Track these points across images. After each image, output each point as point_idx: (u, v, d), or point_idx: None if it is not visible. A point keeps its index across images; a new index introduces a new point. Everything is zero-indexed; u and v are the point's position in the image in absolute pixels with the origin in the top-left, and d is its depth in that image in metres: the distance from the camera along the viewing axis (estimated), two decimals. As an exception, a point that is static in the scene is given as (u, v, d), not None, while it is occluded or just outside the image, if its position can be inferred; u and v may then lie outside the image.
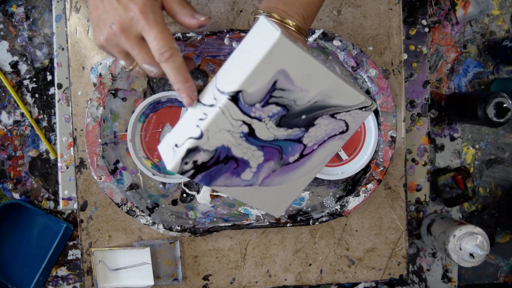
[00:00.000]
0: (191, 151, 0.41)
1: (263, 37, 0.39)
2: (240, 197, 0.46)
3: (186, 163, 0.42)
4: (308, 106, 0.43)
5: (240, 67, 0.40)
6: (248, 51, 0.40)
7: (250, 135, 0.43)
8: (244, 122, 0.42)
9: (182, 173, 0.42)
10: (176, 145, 0.42)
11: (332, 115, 0.45)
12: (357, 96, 0.45)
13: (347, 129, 0.46)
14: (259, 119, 0.42)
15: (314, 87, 0.42)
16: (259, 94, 0.40)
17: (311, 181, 0.71)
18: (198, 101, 0.44)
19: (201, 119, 0.41)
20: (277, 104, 0.42)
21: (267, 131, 0.43)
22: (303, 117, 0.43)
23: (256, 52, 0.39)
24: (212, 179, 0.44)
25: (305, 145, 0.45)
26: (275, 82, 0.40)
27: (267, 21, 0.40)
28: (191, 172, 0.43)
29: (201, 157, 0.42)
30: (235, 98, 0.40)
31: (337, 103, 0.44)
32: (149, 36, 0.44)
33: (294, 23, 0.47)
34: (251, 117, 0.41)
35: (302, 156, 0.46)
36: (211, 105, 0.41)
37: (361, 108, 0.46)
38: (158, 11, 0.44)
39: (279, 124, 0.43)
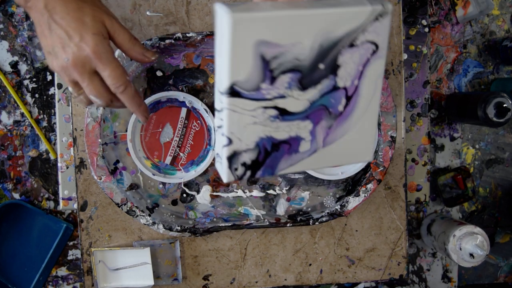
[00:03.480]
0: (232, 158, 0.41)
1: (222, 24, 0.37)
2: (316, 165, 0.44)
3: (236, 169, 0.41)
4: (316, 54, 0.40)
5: (221, 62, 0.39)
6: (220, 43, 0.39)
7: (284, 114, 0.41)
8: (266, 107, 0.40)
9: (240, 178, 0.41)
10: (219, 156, 0.42)
11: (350, 45, 0.40)
12: (360, 12, 0.39)
13: (377, 47, 0.41)
14: (281, 96, 0.40)
15: (304, 34, 0.39)
16: (255, 75, 0.39)
17: (311, 181, 0.71)
18: (215, 109, 0.43)
19: (220, 127, 0.41)
20: (283, 72, 0.39)
21: (298, 101, 0.41)
22: (321, 66, 0.40)
23: (224, 42, 0.38)
24: (273, 168, 0.42)
25: (345, 88, 0.42)
26: (262, 56, 0.38)
27: (218, 6, 0.38)
28: (248, 173, 0.42)
29: (248, 157, 0.41)
30: (234, 92, 0.39)
31: (344, 32, 0.39)
32: (103, 73, 0.48)
33: None
34: (270, 99, 0.40)
35: (349, 98, 0.42)
36: (221, 110, 0.40)
37: (376, 19, 0.40)
38: (108, 48, 0.48)
39: (304, 88, 0.40)
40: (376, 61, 0.42)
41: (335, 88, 0.42)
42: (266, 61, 0.39)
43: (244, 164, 0.41)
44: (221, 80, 0.39)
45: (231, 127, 0.40)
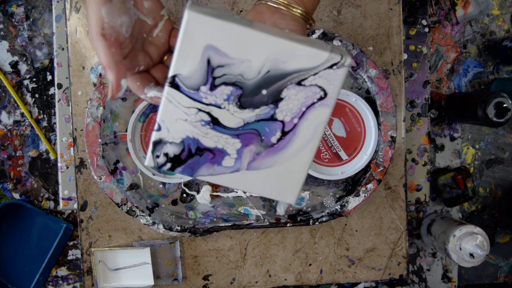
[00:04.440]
0: (157, 144, 0.42)
1: (183, 16, 0.39)
2: (234, 184, 0.44)
3: (158, 156, 0.43)
4: (262, 78, 0.40)
5: (174, 53, 0.41)
6: (178, 35, 0.41)
7: (215, 124, 0.42)
8: (200, 110, 0.41)
9: (159, 166, 0.43)
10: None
11: (299, 83, 0.40)
12: (317, 55, 0.39)
13: (325, 94, 0.41)
14: (217, 106, 0.41)
15: (255, 54, 0.39)
16: (197, 75, 0.40)
17: (311, 181, 0.71)
18: None
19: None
20: (225, 84, 0.40)
21: (232, 117, 0.42)
22: (264, 92, 0.41)
23: (179, 34, 0.39)
24: (193, 171, 0.44)
25: (282, 122, 0.42)
26: (209, 61, 0.39)
27: (190, 0, 0.39)
28: (168, 165, 0.43)
29: (171, 150, 0.42)
30: (174, 84, 0.40)
31: (295, 68, 0.40)
32: None
33: (286, 2, 0.47)
34: (206, 104, 0.41)
35: (284, 133, 0.43)
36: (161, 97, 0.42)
37: (330, 67, 0.40)
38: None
39: (241, 106, 0.41)
40: (321, 108, 0.42)
41: (272, 118, 0.42)
42: (211, 67, 0.40)
43: (166, 155, 0.43)
44: (169, 69, 0.41)
45: (164, 116, 0.41)
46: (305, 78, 0.40)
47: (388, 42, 0.71)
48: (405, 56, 0.74)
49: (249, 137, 0.43)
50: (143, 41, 0.48)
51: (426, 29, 0.76)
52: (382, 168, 0.69)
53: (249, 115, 0.42)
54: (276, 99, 0.41)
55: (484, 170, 0.83)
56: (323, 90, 0.41)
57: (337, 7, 0.70)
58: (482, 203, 0.83)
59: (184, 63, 0.39)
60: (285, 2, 0.48)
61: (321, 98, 0.41)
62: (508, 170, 0.83)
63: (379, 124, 0.69)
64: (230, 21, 0.38)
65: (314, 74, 0.40)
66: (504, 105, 0.69)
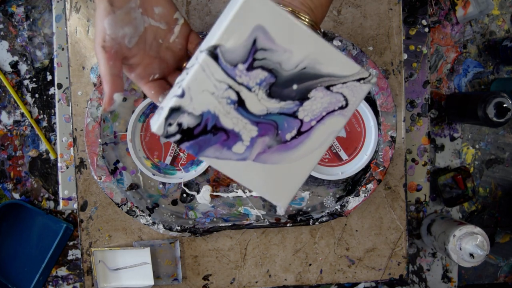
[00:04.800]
0: (174, 111, 0.40)
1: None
2: (234, 173, 0.43)
3: (170, 124, 0.41)
4: (297, 73, 0.41)
5: (220, 23, 0.40)
6: (230, 7, 0.41)
7: (240, 106, 0.41)
8: (230, 87, 0.40)
9: (168, 136, 0.41)
10: (162, 109, 0.42)
11: (328, 88, 0.42)
12: (350, 65, 0.42)
13: (346, 104, 0.43)
14: (248, 88, 0.41)
15: (298, 48, 0.41)
16: (239, 51, 0.40)
17: (311, 181, 0.71)
18: (185, 68, 0.43)
19: (183, 80, 0.41)
20: (262, 68, 0.41)
21: (258, 103, 0.41)
22: (295, 87, 0.42)
23: (233, 8, 0.39)
24: (201, 148, 0.42)
25: (301, 121, 0.43)
26: (255, 41, 0.40)
27: None
28: (177, 137, 0.41)
29: (186, 121, 0.41)
30: (213, 53, 0.39)
31: (329, 71, 0.42)
32: None
33: (308, 19, 0.48)
34: (238, 83, 0.40)
35: (300, 133, 0.43)
36: (191, 67, 0.41)
37: (358, 80, 0.42)
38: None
39: (270, 95, 0.41)
40: (339, 117, 0.43)
41: (294, 115, 0.43)
42: (255, 48, 0.40)
43: (179, 125, 0.41)
44: (211, 38, 0.40)
45: (192, 83, 0.40)
46: (334, 84, 0.42)
47: (388, 42, 0.71)
48: (405, 56, 0.74)
49: (267, 127, 0.42)
50: (159, 48, 0.47)
51: (426, 29, 0.76)
52: (382, 168, 0.69)
53: (274, 105, 0.42)
54: (303, 97, 0.42)
55: (484, 170, 0.83)
56: (346, 100, 0.43)
57: (337, 7, 0.70)
58: (482, 203, 0.83)
59: (230, 36, 0.39)
60: (294, 10, 0.48)
61: (341, 108, 0.43)
62: (508, 170, 0.83)
63: (379, 124, 0.69)
64: (282, 9, 0.40)
65: (343, 83, 0.42)
66: (504, 105, 0.69)
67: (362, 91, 0.43)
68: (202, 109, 0.41)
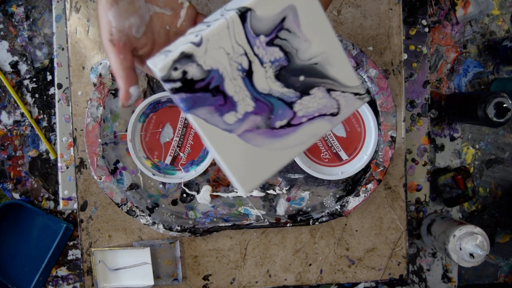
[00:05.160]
0: (185, 57, 0.39)
1: None
2: (214, 142, 0.42)
3: (176, 69, 0.39)
4: (308, 65, 0.42)
5: None
6: None
7: (247, 76, 0.41)
8: (246, 54, 0.40)
9: (168, 80, 0.38)
10: (169, 51, 0.40)
11: (328, 90, 0.44)
12: (354, 78, 0.44)
13: (337, 113, 0.45)
14: (261, 62, 0.41)
15: (318, 42, 0.42)
16: (266, 23, 0.40)
17: (311, 181, 0.71)
18: (204, 22, 0.42)
19: (201, 30, 0.40)
20: (281, 48, 0.41)
21: (264, 80, 0.42)
22: (301, 78, 0.43)
23: None
24: (194, 105, 0.40)
25: (295, 113, 0.44)
26: (284, 19, 0.40)
27: None
28: (177, 84, 0.39)
29: (193, 71, 0.39)
30: (243, 15, 0.39)
31: (335, 75, 0.43)
32: None
33: None
34: (254, 53, 0.40)
35: (289, 125, 0.44)
36: (214, 20, 0.40)
37: (355, 94, 0.45)
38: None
39: (277, 77, 0.42)
40: (326, 122, 0.45)
41: (290, 105, 0.43)
42: (281, 26, 0.40)
43: (184, 73, 0.39)
44: (242, 1, 0.40)
45: (212, 36, 0.39)
46: (335, 90, 0.44)
47: (388, 42, 0.71)
48: (405, 56, 0.74)
49: (263, 107, 0.42)
50: (167, 34, 0.46)
51: (426, 29, 0.76)
52: (382, 168, 0.69)
53: (277, 89, 0.42)
54: (305, 91, 0.43)
55: (484, 170, 0.83)
56: (339, 108, 0.45)
57: (337, 7, 0.70)
58: (482, 203, 0.83)
59: (264, 5, 0.40)
60: None
61: (332, 114, 0.45)
62: (508, 170, 0.83)
63: (379, 124, 0.69)
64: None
65: (343, 91, 0.44)
66: (504, 105, 0.69)
67: (354, 105, 0.45)
68: (211, 65, 0.39)
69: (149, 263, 0.70)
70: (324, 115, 0.44)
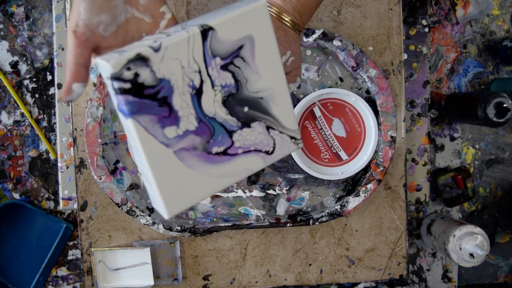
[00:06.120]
0: (140, 59, 0.37)
1: (248, 2, 0.41)
2: (149, 154, 0.40)
3: (129, 69, 0.37)
4: (254, 98, 0.43)
5: (219, 13, 0.41)
6: (233, 6, 0.41)
7: (196, 95, 0.40)
8: (200, 72, 0.40)
9: (118, 78, 0.37)
10: (124, 51, 0.38)
11: (268, 128, 0.44)
12: (293, 121, 0.45)
13: (272, 152, 0.45)
14: (212, 84, 0.41)
15: (267, 77, 0.43)
16: (226, 47, 0.40)
17: (311, 181, 0.71)
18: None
19: (160, 38, 0.39)
20: (233, 74, 0.41)
21: (212, 103, 0.41)
22: (246, 109, 0.43)
23: (237, 9, 0.40)
24: (138, 111, 0.39)
25: (233, 143, 0.43)
26: (241, 47, 0.41)
27: None
28: (127, 85, 0.37)
29: (145, 75, 0.38)
30: (205, 33, 0.39)
31: (276, 114, 0.44)
32: None
33: (289, 18, 0.48)
34: (207, 73, 0.40)
35: (225, 153, 0.43)
36: (177, 32, 0.40)
37: (291, 138, 0.45)
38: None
39: (224, 102, 0.42)
40: (259, 160, 0.45)
41: (230, 134, 0.43)
42: (238, 53, 0.41)
43: (136, 76, 0.38)
44: (207, 19, 0.41)
45: (172, 45, 0.38)
46: (274, 129, 0.44)
47: (388, 42, 0.71)
48: (405, 56, 0.74)
49: (205, 129, 0.42)
50: None
51: (426, 29, 0.76)
52: (382, 168, 0.69)
53: (222, 114, 0.42)
54: (246, 123, 0.43)
55: (484, 170, 0.83)
56: (274, 148, 0.45)
57: (337, 7, 0.70)
58: (482, 203, 0.83)
59: (227, 28, 0.40)
60: (278, 10, 0.47)
61: (267, 152, 0.45)
62: (508, 170, 0.83)
63: (379, 124, 0.69)
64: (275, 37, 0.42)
65: (280, 132, 0.45)
66: (504, 105, 0.69)
67: (288, 149, 0.45)
68: (164, 75, 0.39)
69: (149, 263, 0.70)
70: (259, 151, 0.44)
